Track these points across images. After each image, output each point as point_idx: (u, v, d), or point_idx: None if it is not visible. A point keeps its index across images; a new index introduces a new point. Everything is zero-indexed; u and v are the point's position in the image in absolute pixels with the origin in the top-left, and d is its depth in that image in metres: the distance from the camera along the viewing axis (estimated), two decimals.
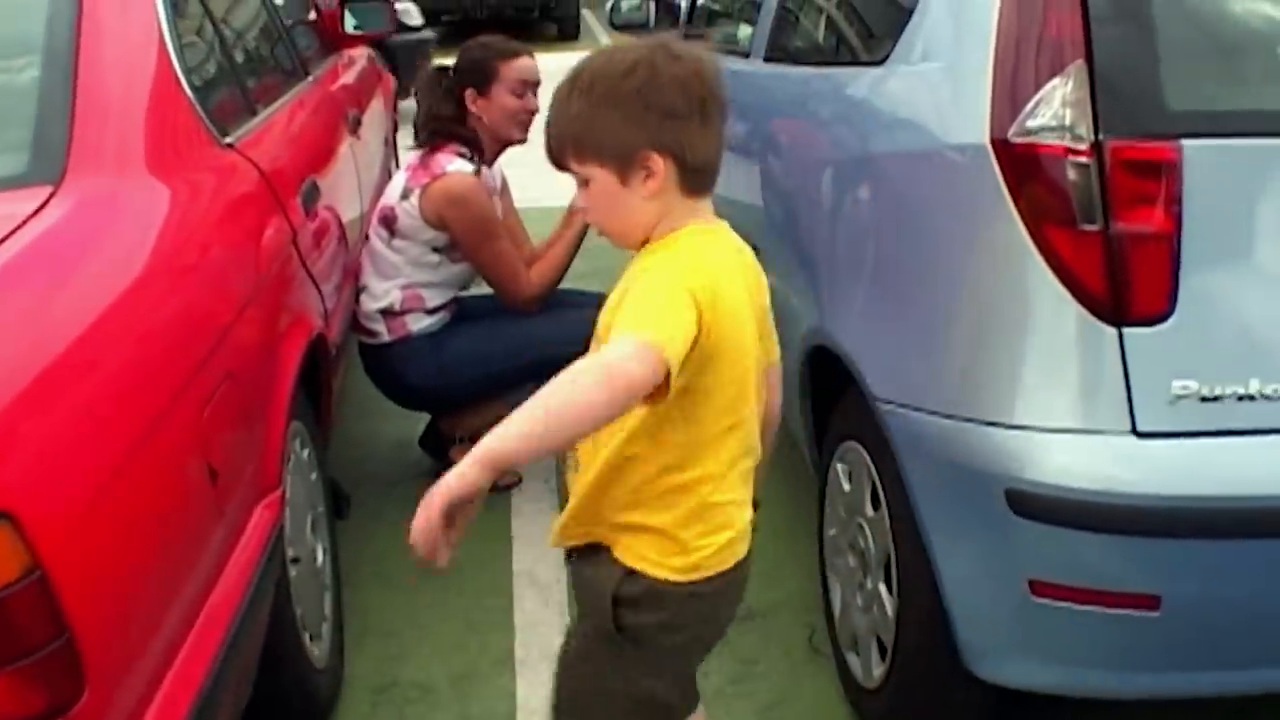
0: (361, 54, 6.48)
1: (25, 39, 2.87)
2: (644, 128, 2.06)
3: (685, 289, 1.99)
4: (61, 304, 2.18)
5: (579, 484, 2.22)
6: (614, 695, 2.33)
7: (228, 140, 3.21)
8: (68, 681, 1.88)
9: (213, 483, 2.45)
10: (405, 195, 4.32)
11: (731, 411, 2.14)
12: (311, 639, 3.21)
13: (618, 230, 2.19)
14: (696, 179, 2.13)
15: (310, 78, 4.82)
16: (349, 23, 5.94)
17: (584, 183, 2.15)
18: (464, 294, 4.62)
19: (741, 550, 2.26)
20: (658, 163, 2.08)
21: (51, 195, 2.41)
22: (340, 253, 4.11)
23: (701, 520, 2.17)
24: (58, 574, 1.84)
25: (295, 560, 3.10)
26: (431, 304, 4.45)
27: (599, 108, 2.08)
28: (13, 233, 2.23)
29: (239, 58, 3.89)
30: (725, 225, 2.22)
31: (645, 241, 2.17)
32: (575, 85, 2.11)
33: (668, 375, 1.91)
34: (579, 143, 2.11)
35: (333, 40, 5.85)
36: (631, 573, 2.20)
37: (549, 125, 2.16)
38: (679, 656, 2.38)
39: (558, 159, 2.17)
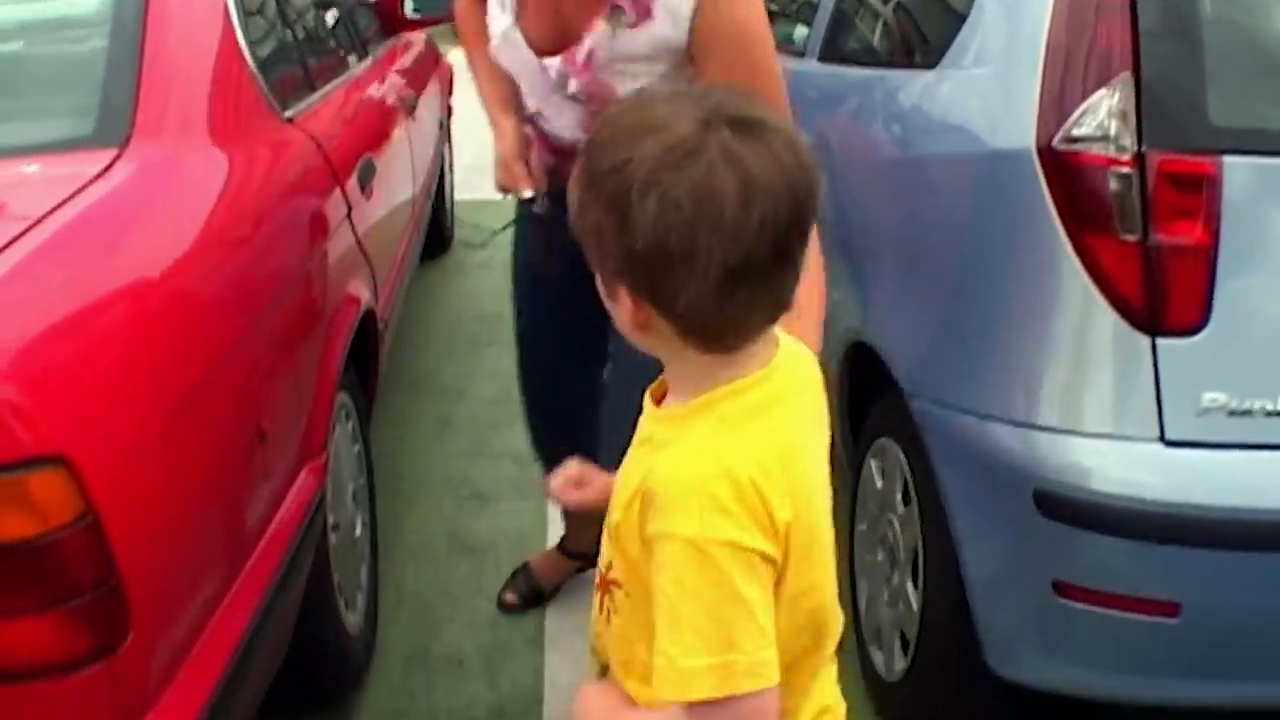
0: (419, 38, 6.54)
1: (95, 8, 2.95)
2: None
3: (726, 547, 1.40)
4: (121, 261, 2.25)
5: None
6: None
7: (288, 115, 3.27)
8: (113, 624, 1.94)
9: (261, 443, 2.52)
10: None
11: (812, 630, 1.59)
12: (347, 606, 3.28)
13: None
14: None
15: (369, 59, 4.89)
16: (408, 6, 5.99)
17: None
18: None
19: None
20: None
21: (116, 158, 2.48)
22: (393, 232, 4.18)
23: None
24: (108, 519, 1.90)
25: (335, 527, 3.17)
26: None
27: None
28: (78, 192, 2.30)
29: (301, 35, 3.96)
30: (784, 353, 1.57)
31: (658, 390, 1.61)
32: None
33: None
34: None
35: (392, 23, 5.91)
36: None
37: None
38: None
39: None
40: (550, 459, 3.74)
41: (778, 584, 1.46)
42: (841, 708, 1.74)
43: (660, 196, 1.37)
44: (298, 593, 2.75)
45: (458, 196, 7.78)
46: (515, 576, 3.90)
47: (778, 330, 1.56)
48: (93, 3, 3.00)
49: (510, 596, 3.85)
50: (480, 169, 8.35)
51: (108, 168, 2.44)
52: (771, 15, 5.36)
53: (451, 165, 7.58)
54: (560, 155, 2.94)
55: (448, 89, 7.29)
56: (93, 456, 1.89)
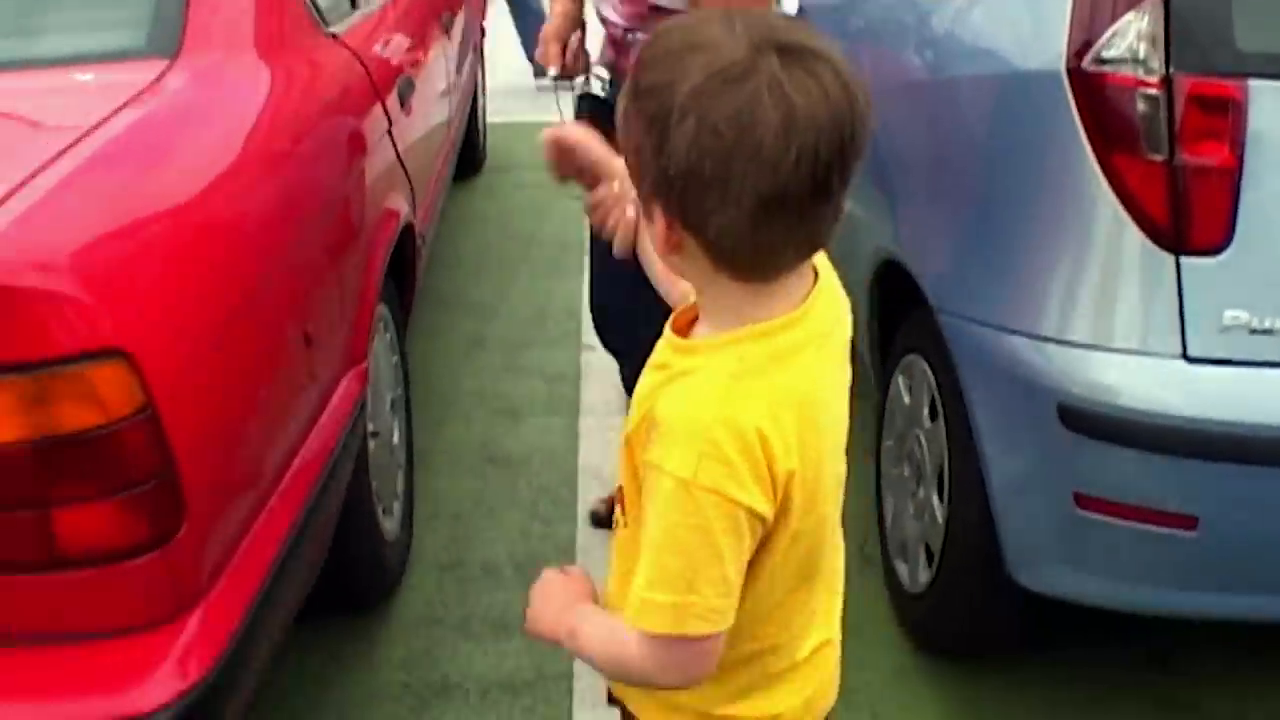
0: None
1: None
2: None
3: (720, 500, 1.44)
4: (175, 167, 2.33)
5: None
6: None
7: (331, 30, 3.33)
8: (169, 514, 2.03)
9: (307, 347, 2.60)
10: None
11: (802, 571, 1.62)
12: (384, 513, 3.37)
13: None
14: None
15: None
16: None
17: None
18: None
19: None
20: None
21: (168, 69, 2.55)
22: (430, 149, 4.23)
23: (755, 691, 1.68)
24: (166, 412, 1.98)
25: (374, 435, 3.25)
26: None
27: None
28: (131, 101, 2.38)
29: None
30: (821, 288, 1.57)
31: (683, 316, 1.62)
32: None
33: None
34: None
35: None
36: None
37: None
38: None
39: None
40: (613, 347, 3.87)
41: (775, 529, 1.51)
42: (838, 639, 1.80)
43: (699, 119, 1.35)
44: (339, 495, 2.83)
45: (489, 120, 7.82)
46: None
47: (818, 262, 1.57)
48: None
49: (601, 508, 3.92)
50: (512, 93, 8.42)
51: (159, 78, 2.50)
52: None
53: (484, 88, 7.61)
54: (617, 47, 3.03)
55: (481, 10, 7.32)
56: (151, 351, 1.97)
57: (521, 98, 8.15)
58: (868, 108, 1.41)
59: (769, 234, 1.41)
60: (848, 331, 1.64)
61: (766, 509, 1.47)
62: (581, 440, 4.39)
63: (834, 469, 1.61)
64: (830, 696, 1.79)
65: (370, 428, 3.18)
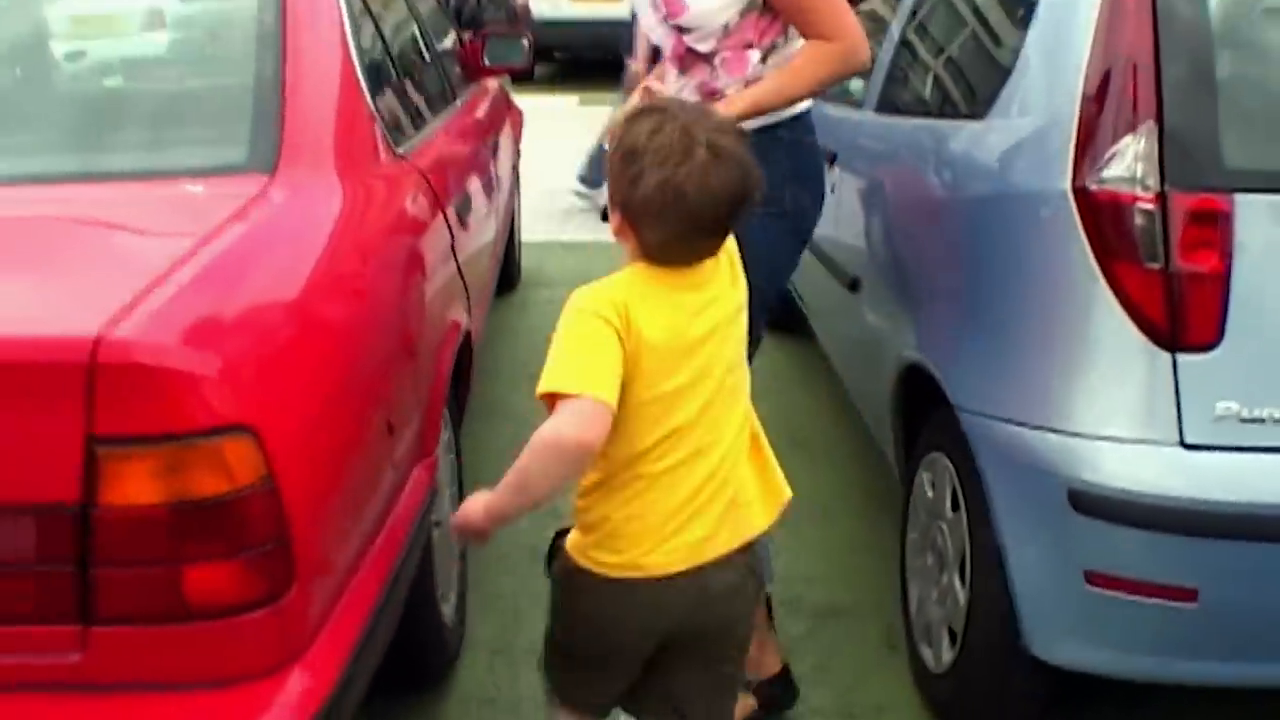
0: (494, 85, 6.91)
1: (239, 53, 3.35)
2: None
3: (595, 315, 2.27)
4: (287, 269, 2.63)
5: None
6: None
7: (400, 151, 3.65)
8: (282, 574, 2.29)
9: (390, 435, 2.88)
10: None
11: (658, 428, 2.35)
12: (443, 598, 3.62)
13: None
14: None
15: (458, 101, 5.26)
16: (488, 55, 6.34)
17: None
18: None
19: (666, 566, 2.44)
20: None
21: (269, 183, 2.87)
22: (482, 263, 4.54)
23: (610, 541, 2.45)
24: (283, 482, 2.25)
25: (437, 524, 3.51)
26: None
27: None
28: (245, 209, 2.71)
29: (407, 80, 4.33)
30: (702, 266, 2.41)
31: None
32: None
33: None
34: None
35: (473, 70, 6.26)
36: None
37: None
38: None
39: None
40: None
41: (631, 379, 2.30)
42: (731, 540, 2.52)
43: (654, 183, 2.27)
44: (412, 573, 3.08)
45: (523, 238, 8.13)
46: None
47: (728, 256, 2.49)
48: (237, 48, 3.41)
49: None
50: (542, 213, 8.73)
51: (263, 191, 2.82)
52: None
53: (520, 208, 7.93)
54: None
55: (518, 133, 7.66)
56: (273, 428, 2.25)
57: (552, 218, 8.50)
58: (755, 186, 2.35)
59: (678, 247, 2.35)
60: (737, 299, 2.51)
61: (620, 328, 2.28)
62: None
63: (714, 379, 2.42)
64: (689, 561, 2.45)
65: (433, 518, 3.45)
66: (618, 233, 2.39)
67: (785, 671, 3.62)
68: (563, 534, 2.61)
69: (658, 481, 2.40)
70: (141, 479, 2.15)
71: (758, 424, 2.63)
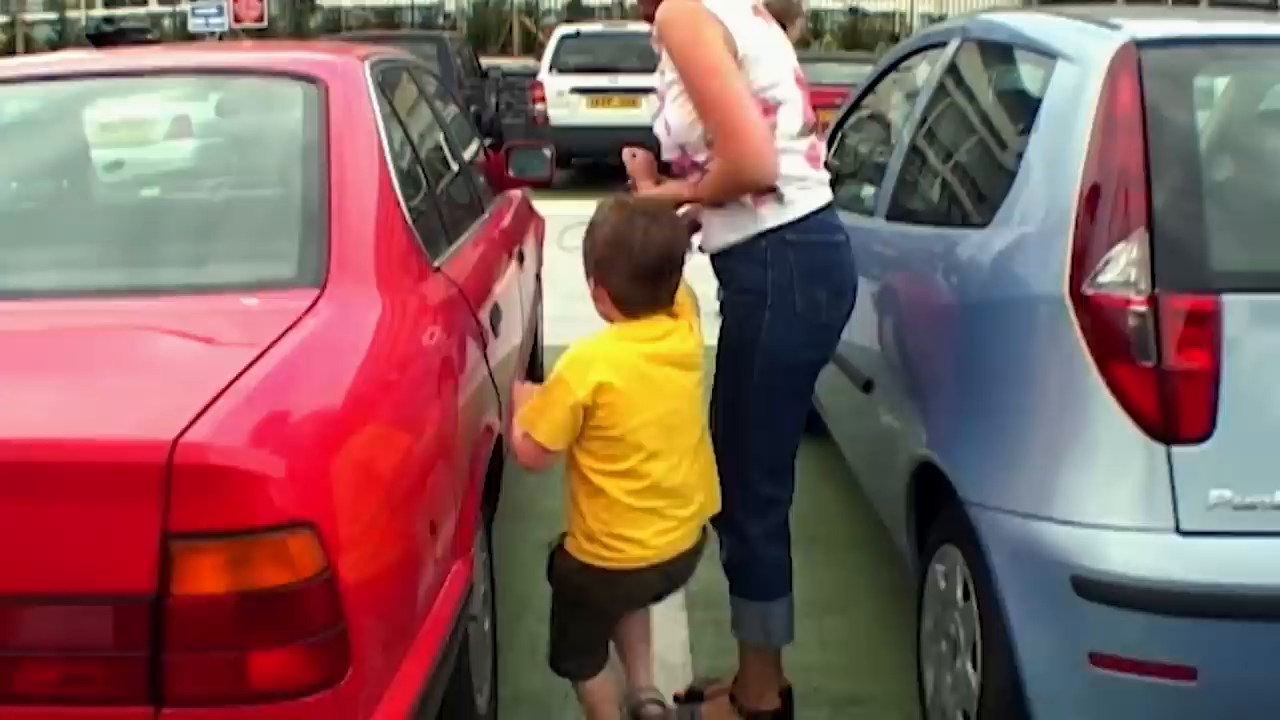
0: (519, 195, 7.11)
1: (284, 167, 3.62)
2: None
3: (568, 385, 3.29)
4: (342, 377, 2.84)
5: None
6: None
7: (436, 264, 3.85)
8: (339, 659, 2.46)
9: (432, 534, 3.06)
10: None
11: (625, 457, 3.37)
12: (477, 690, 3.78)
13: None
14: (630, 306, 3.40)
15: (485, 214, 5.47)
16: (512, 167, 6.52)
17: None
18: None
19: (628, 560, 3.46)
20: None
21: (319, 297, 3.08)
22: (511, 369, 4.73)
23: (598, 539, 3.45)
24: (341, 575, 2.44)
25: (473, 618, 3.68)
26: None
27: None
28: (298, 322, 2.93)
29: (440, 195, 4.55)
30: (660, 322, 3.44)
31: None
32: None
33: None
34: None
35: (498, 181, 6.45)
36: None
37: None
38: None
39: None
40: None
41: (592, 414, 3.31)
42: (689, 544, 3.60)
43: (609, 239, 3.36)
44: (450, 667, 3.24)
45: (546, 343, 8.31)
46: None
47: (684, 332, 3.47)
48: (281, 155, 3.71)
49: None
50: (563, 319, 8.87)
51: (314, 304, 3.03)
52: (842, 176, 5.92)
53: (542, 314, 8.12)
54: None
55: (541, 241, 7.87)
56: (332, 525, 2.44)
57: (574, 322, 8.58)
58: (684, 247, 3.46)
59: (638, 290, 3.38)
60: (693, 349, 3.49)
61: (583, 395, 3.27)
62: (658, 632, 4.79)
63: (676, 413, 3.42)
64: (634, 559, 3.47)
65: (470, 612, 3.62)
66: (595, 296, 3.44)
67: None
68: (558, 548, 3.61)
69: (633, 489, 3.39)
70: (211, 571, 2.34)
71: (709, 440, 3.63)
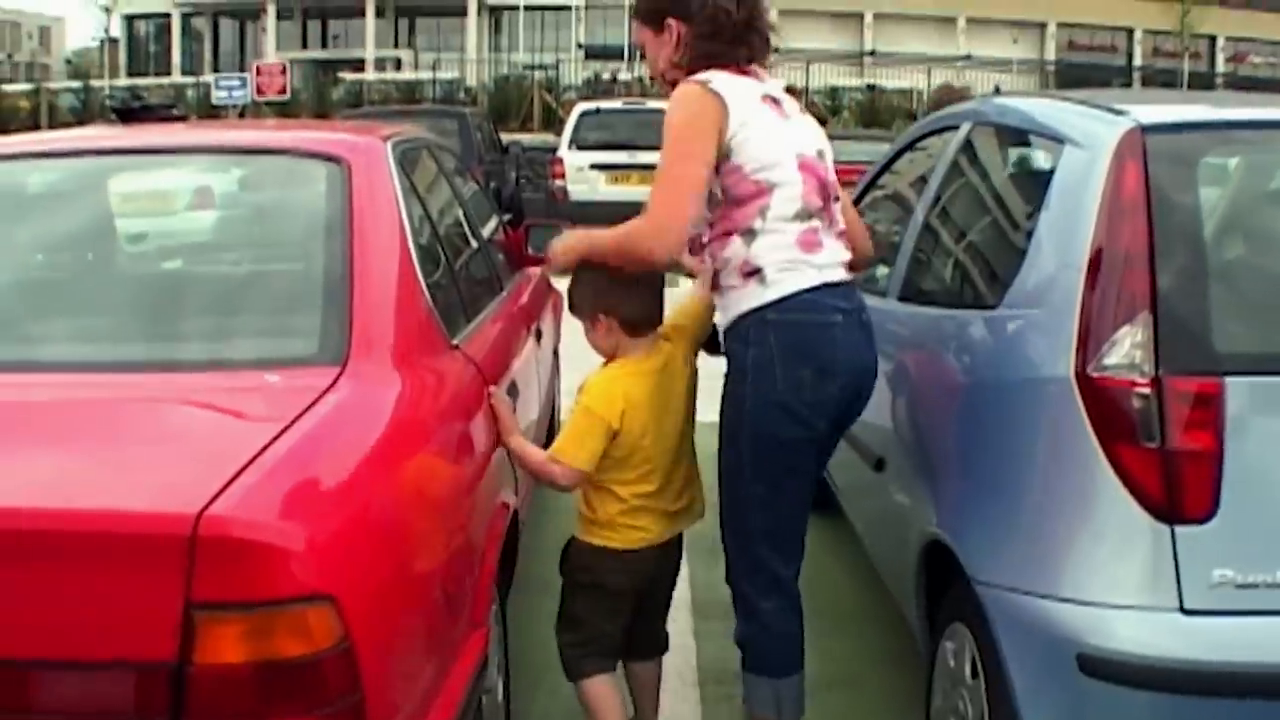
0: (537, 272, 7.19)
1: (307, 243, 3.71)
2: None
3: (600, 415, 3.81)
4: (361, 454, 2.91)
5: None
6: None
7: (455, 342, 3.92)
8: None
9: (448, 605, 3.12)
10: None
11: (634, 468, 3.92)
12: None
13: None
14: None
15: (504, 291, 5.56)
16: (531, 244, 6.60)
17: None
18: None
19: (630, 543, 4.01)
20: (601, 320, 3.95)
21: (340, 375, 3.15)
22: None
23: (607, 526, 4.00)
24: (359, 645, 2.50)
25: (488, 690, 3.73)
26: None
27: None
28: (320, 398, 3.00)
29: (459, 273, 4.62)
30: (660, 347, 4.00)
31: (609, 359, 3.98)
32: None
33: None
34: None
35: (517, 259, 6.54)
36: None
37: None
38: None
39: None
40: None
41: (620, 431, 3.82)
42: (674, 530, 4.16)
43: (612, 278, 3.88)
44: None
45: (562, 418, 8.35)
46: None
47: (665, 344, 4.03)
48: (304, 231, 3.80)
49: None
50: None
51: (335, 382, 3.10)
52: None
53: (559, 389, 8.18)
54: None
55: (559, 317, 7.94)
56: (350, 598, 2.51)
57: None
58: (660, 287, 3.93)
59: (638, 308, 3.91)
60: (685, 370, 4.08)
61: (614, 421, 3.80)
62: (665, 697, 4.81)
63: (672, 426, 3.98)
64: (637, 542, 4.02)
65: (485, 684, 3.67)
66: (602, 332, 3.99)
67: None
68: (572, 540, 4.13)
69: (638, 492, 3.94)
70: (233, 641, 2.41)
71: (694, 445, 4.10)
